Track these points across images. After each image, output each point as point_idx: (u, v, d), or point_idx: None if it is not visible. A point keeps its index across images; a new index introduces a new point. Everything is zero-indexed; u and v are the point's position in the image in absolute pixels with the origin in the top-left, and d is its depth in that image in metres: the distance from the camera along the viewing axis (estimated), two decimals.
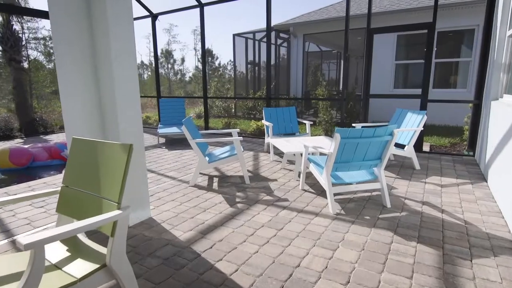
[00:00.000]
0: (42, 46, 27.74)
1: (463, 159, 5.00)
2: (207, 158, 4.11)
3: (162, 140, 7.00)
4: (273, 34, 10.90)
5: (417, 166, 4.38)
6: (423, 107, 5.21)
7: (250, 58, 12.53)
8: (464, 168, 4.45)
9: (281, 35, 10.92)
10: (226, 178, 4.14)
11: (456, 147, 6.31)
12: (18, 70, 9.00)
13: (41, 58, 26.21)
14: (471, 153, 5.23)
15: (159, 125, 7.40)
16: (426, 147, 5.93)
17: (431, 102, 5.20)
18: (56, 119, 10.91)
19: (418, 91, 5.44)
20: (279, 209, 3.07)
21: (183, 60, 39.30)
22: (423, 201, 3.23)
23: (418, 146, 5.30)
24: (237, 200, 3.35)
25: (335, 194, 3.38)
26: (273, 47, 11.35)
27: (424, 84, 5.20)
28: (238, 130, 4.49)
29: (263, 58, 12.40)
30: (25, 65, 24.45)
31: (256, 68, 12.80)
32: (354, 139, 2.79)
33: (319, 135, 7.56)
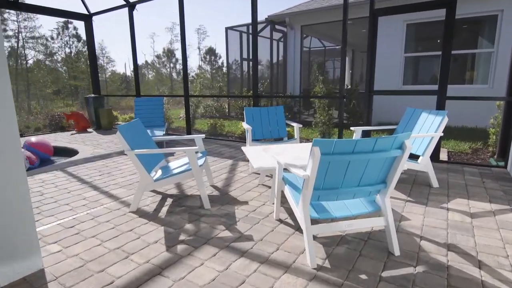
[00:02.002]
0: (41, 46, 27.16)
1: (493, 172, 3.95)
2: (158, 173, 3.17)
3: None
4: (263, 27, 9.92)
5: (435, 183, 3.35)
6: (440, 106, 4.17)
7: (247, 53, 11.57)
8: (496, 186, 3.41)
9: (277, 27, 9.92)
10: (184, 199, 3.18)
11: (479, 153, 5.24)
12: None
13: (40, 57, 25.60)
14: (502, 163, 4.16)
15: None
16: (443, 154, 4.88)
17: (451, 99, 4.15)
18: (31, 120, 10.11)
19: (431, 87, 4.40)
20: (234, 256, 2.09)
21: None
22: (447, 243, 2.22)
23: (435, 154, 4.25)
24: (182, 237, 2.38)
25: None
26: (268, 41, 10.38)
27: (442, 78, 4.16)
28: (203, 136, 3.53)
29: (260, 53, 11.41)
30: (22, 65, 23.83)
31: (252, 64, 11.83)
32: (342, 156, 1.80)
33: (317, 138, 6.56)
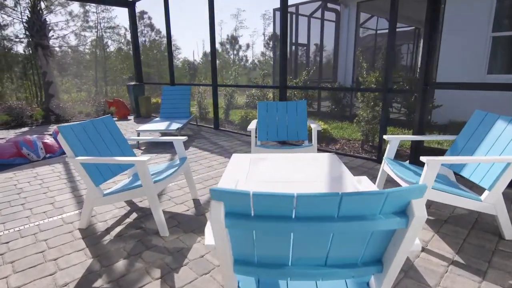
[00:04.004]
0: (116, 36, 29.61)
1: None
2: (123, 182, 2.64)
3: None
4: (317, 8, 8.67)
5: (509, 234, 2.14)
6: None
7: (301, 37, 10.47)
8: None
9: (329, 5, 8.61)
10: (148, 218, 2.59)
11: None
12: (47, 55, 8.81)
13: (116, 46, 27.95)
14: None
15: (155, 119, 6.20)
16: None
17: None
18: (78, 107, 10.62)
19: None
20: None
21: (248, 46, 38.54)
22: None
23: None
24: (98, 283, 1.78)
25: None
26: (318, 22, 9.14)
27: None
28: (184, 138, 2.86)
29: (313, 37, 10.21)
30: (98, 52, 26.23)
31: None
32: (272, 224, 0.93)
33: (357, 140, 5.38)
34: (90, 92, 22.44)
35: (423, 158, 2.01)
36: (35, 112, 8.10)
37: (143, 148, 5.01)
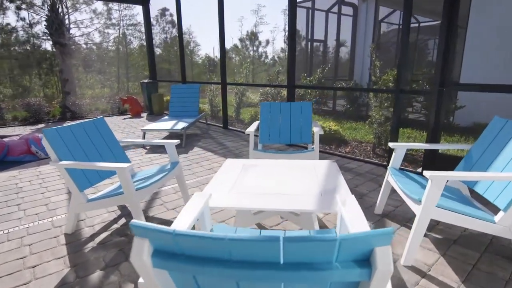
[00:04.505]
0: (138, 32, 30.08)
1: None
2: (112, 186, 2.57)
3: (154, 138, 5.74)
4: (334, 3, 8.31)
5: None
6: None
7: (318, 33, 10.14)
8: None
9: None
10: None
11: None
12: (63, 53, 9.02)
13: (138, 43, 28.39)
14: None
15: (163, 118, 6.17)
16: None
17: None
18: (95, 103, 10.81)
19: None
20: None
21: (267, 42, 38.14)
22: None
23: None
24: None
25: None
26: (335, 16, 8.78)
27: None
28: (176, 141, 2.75)
29: (330, 33, 9.86)
30: (122, 49, 26.69)
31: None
32: (205, 269, 0.78)
33: (369, 142, 5.07)
34: (112, 88, 22.99)
35: (426, 173, 1.78)
36: (53, 109, 8.33)
37: (147, 147, 4.98)
